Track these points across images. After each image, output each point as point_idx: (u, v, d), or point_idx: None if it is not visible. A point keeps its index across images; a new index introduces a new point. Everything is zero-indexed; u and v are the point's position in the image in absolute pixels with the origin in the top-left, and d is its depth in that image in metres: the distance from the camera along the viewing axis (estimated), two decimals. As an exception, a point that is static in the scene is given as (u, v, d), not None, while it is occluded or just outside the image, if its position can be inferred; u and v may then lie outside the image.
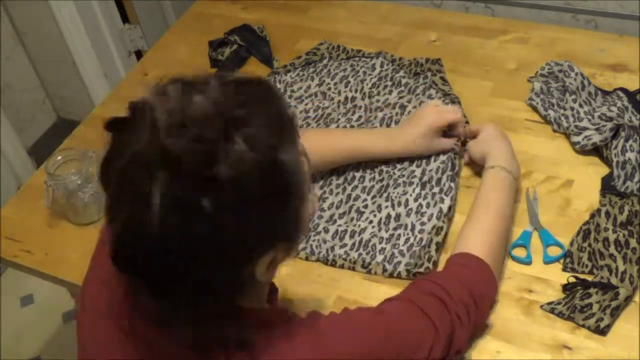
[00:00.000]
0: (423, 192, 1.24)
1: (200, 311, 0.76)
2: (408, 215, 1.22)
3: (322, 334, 0.82)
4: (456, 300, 0.94)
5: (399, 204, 1.23)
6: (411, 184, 1.26)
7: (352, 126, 1.41)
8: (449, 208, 1.21)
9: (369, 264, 1.17)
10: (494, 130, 1.25)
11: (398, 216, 1.22)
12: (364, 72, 1.52)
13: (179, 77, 0.73)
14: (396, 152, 1.29)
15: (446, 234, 1.18)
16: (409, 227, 1.20)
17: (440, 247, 1.16)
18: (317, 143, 1.21)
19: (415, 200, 1.23)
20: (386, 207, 1.24)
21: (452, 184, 1.24)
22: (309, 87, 1.52)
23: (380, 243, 1.19)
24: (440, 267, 1.13)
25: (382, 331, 0.86)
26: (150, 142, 0.68)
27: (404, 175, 1.28)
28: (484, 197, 1.14)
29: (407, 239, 1.18)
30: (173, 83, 0.72)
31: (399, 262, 1.15)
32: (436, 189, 1.23)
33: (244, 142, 0.69)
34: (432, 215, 1.20)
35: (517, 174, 1.19)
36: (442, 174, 1.25)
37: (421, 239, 1.18)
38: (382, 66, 1.53)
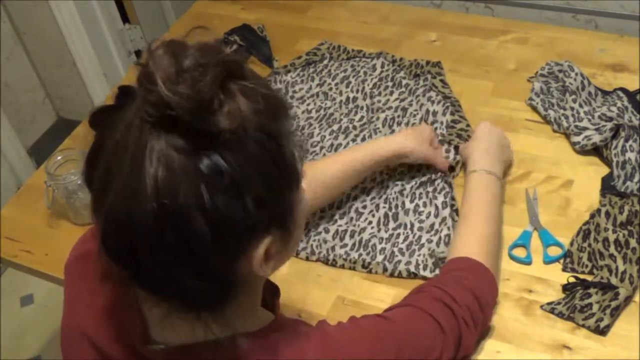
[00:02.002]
0: (418, 192, 1.24)
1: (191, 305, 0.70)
2: (406, 214, 1.22)
3: (333, 340, 0.79)
4: (462, 306, 0.94)
5: (397, 206, 1.24)
6: (409, 182, 1.27)
7: (354, 126, 1.41)
8: (444, 204, 1.21)
9: (369, 263, 1.17)
10: (480, 131, 1.25)
11: (396, 216, 1.23)
12: (365, 73, 1.52)
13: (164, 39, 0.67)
14: (395, 150, 1.22)
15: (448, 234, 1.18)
16: (408, 226, 1.20)
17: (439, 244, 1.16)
18: (328, 165, 1.21)
19: (412, 201, 1.24)
20: (384, 207, 1.24)
21: (445, 184, 1.24)
22: (310, 87, 1.52)
23: (380, 243, 1.19)
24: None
25: (393, 338, 0.84)
26: (145, 102, 0.63)
27: (403, 178, 1.28)
28: (470, 202, 1.13)
29: (406, 237, 1.19)
30: (160, 45, 0.66)
31: (399, 261, 1.15)
32: (430, 188, 1.24)
33: (242, 94, 0.64)
34: (429, 213, 1.21)
35: (500, 174, 1.18)
36: (440, 176, 1.26)
37: (420, 237, 1.18)
38: (382, 67, 1.53)
